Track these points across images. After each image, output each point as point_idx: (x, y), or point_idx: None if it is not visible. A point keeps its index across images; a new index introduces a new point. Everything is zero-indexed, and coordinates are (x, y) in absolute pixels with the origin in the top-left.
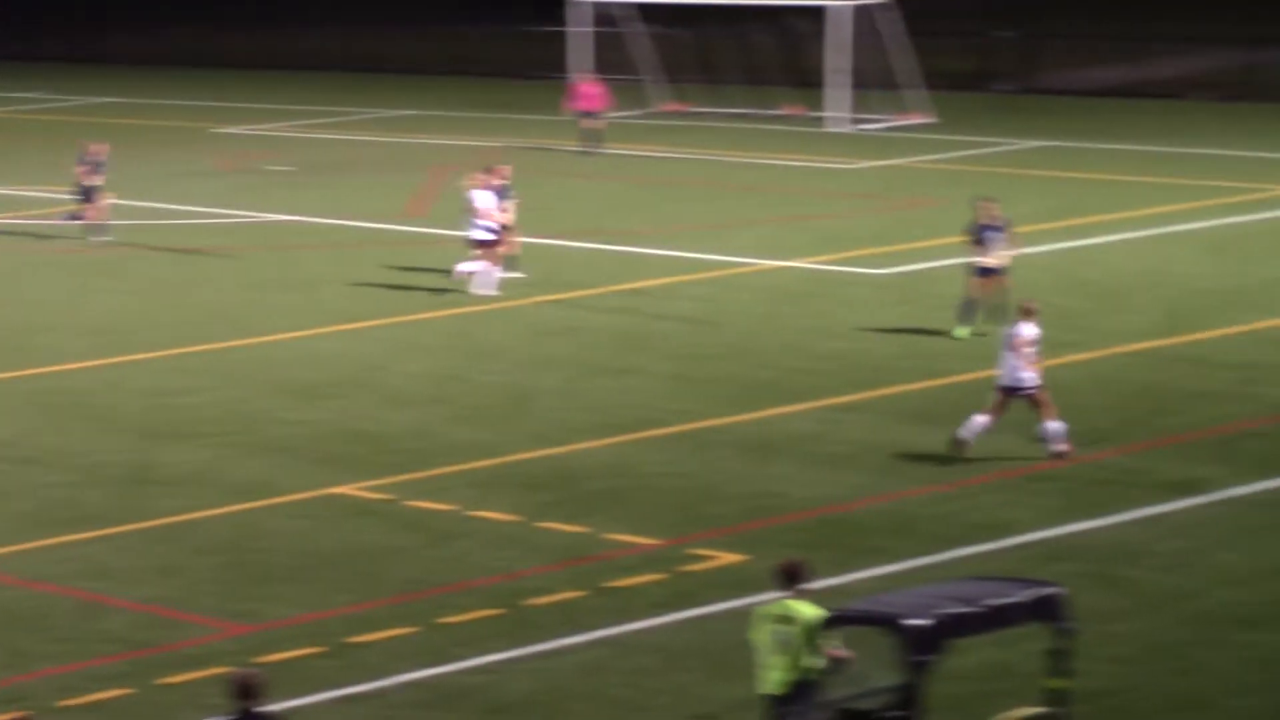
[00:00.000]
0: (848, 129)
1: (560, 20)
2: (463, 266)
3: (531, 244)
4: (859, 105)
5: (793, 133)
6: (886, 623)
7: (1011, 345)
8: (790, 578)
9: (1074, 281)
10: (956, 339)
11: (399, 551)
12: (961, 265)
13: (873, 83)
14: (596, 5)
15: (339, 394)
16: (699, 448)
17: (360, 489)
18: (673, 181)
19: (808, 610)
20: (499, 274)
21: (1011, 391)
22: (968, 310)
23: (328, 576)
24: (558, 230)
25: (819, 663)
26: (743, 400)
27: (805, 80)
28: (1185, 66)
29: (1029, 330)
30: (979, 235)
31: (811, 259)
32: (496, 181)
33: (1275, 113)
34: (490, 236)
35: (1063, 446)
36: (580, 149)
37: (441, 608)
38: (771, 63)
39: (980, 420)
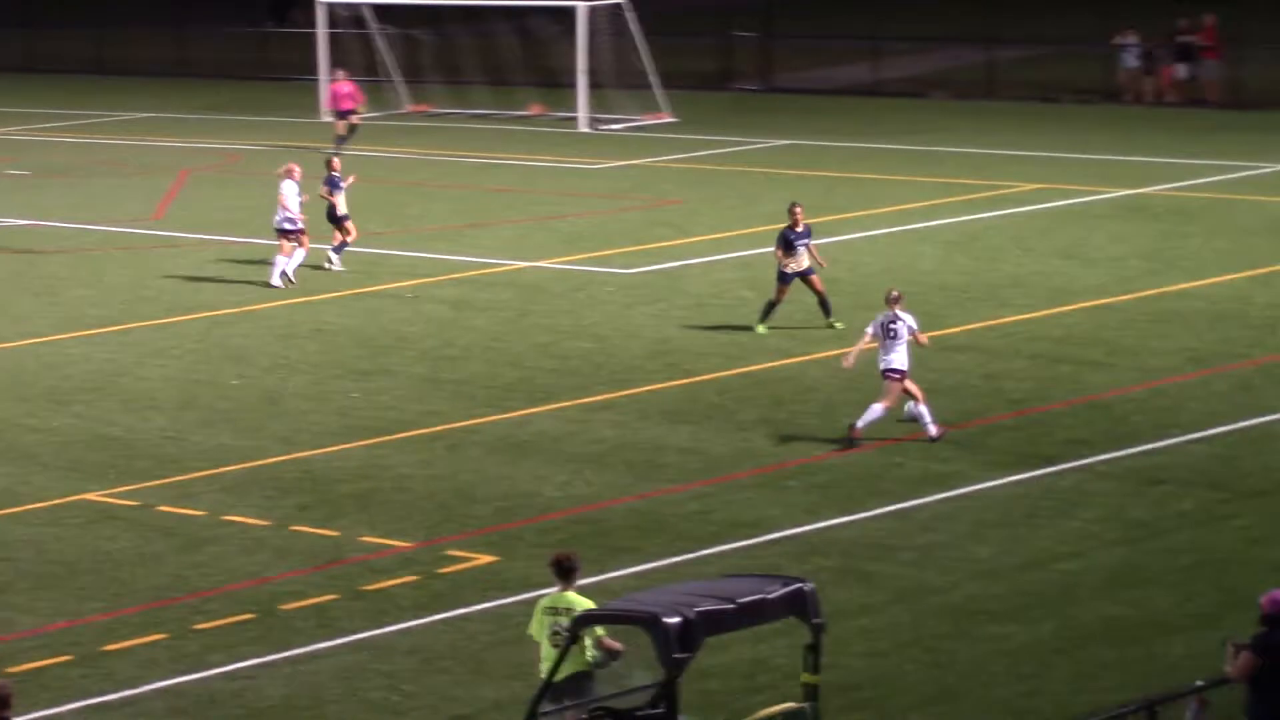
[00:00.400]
0: (591, 129)
1: (305, 23)
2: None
3: (272, 246)
4: (602, 105)
5: (538, 133)
6: (643, 621)
7: (897, 335)
8: (564, 570)
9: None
10: (758, 333)
11: (149, 558)
12: (707, 264)
13: (615, 83)
14: (336, 6)
15: (85, 399)
16: (450, 449)
17: (108, 495)
18: (418, 183)
19: (581, 601)
20: (296, 264)
21: (900, 374)
22: (769, 310)
23: (76, 584)
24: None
25: (594, 654)
26: (493, 401)
27: (549, 80)
28: (924, 65)
29: (910, 318)
30: (789, 242)
31: (559, 259)
32: (299, 175)
33: (1012, 111)
34: (292, 228)
35: (935, 429)
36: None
37: (194, 614)
38: (515, 63)
39: (878, 408)
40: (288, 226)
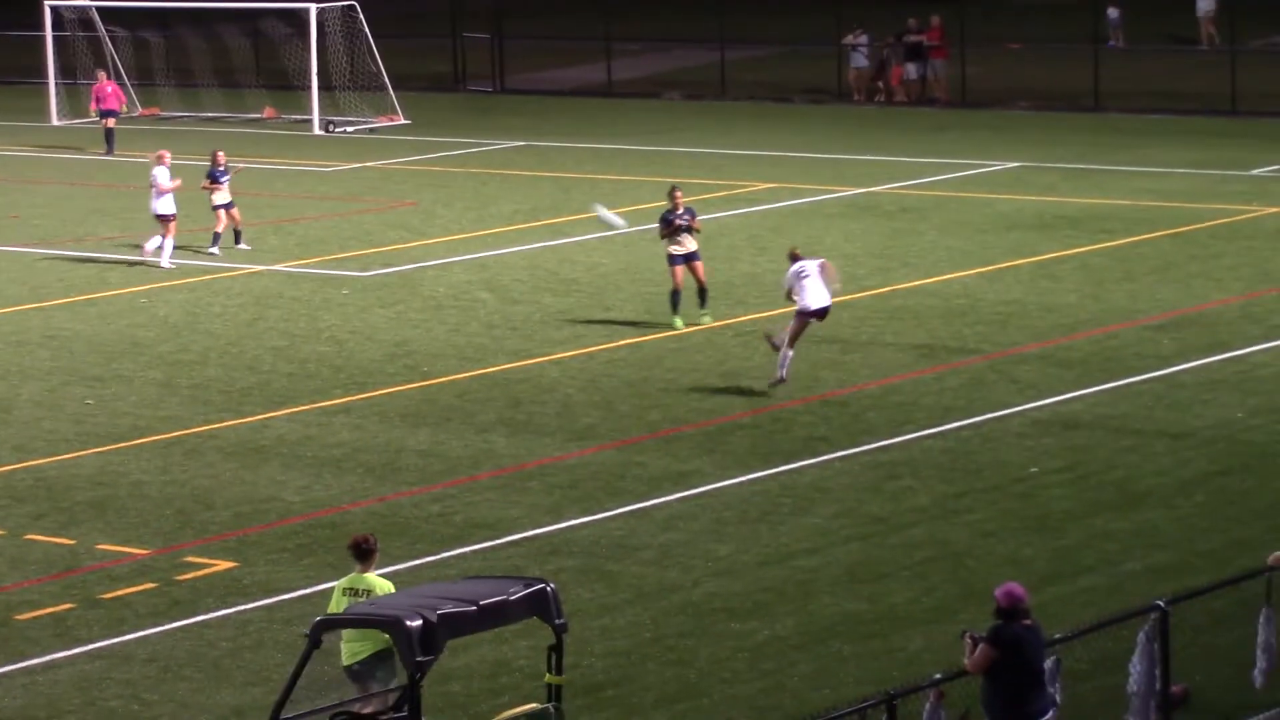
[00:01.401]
0: (325, 132)
1: (31, 25)
2: (150, 244)
3: (14, 252)
4: (335, 108)
5: (271, 135)
6: (385, 624)
7: (825, 275)
8: (363, 552)
9: (558, 280)
10: (677, 329)
11: None
12: (443, 265)
13: (348, 85)
14: (62, 9)
15: None
16: (188, 454)
17: None
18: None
19: (379, 582)
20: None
21: (822, 314)
22: (675, 299)
23: None
24: (26, 238)
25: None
26: (231, 405)
27: (282, 83)
28: (657, 66)
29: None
30: (670, 224)
31: (294, 263)
32: (169, 160)
33: (745, 111)
34: (168, 212)
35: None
36: (106, 151)
37: None
38: (247, 66)
39: (790, 354)
40: (163, 211)
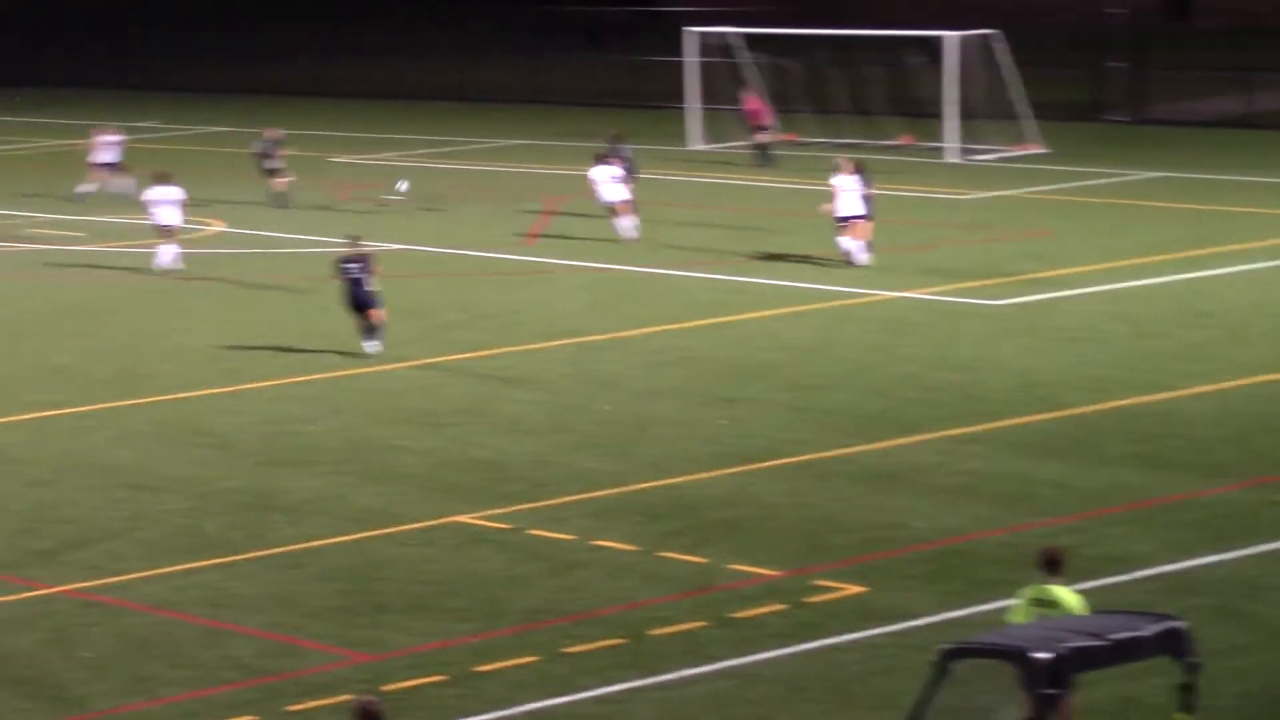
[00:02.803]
0: (960, 160)
1: (672, 51)
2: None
3: (641, 273)
4: (971, 136)
5: (906, 163)
6: (1012, 656)
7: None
8: (1051, 564)
9: (1194, 314)
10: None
11: (520, 580)
12: (1076, 296)
13: (985, 113)
14: (705, 35)
15: (456, 422)
16: (818, 478)
17: (479, 518)
18: (782, 211)
19: (1069, 596)
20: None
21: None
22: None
23: (448, 605)
24: (665, 261)
25: None
26: (860, 430)
27: (918, 111)
28: None
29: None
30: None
31: (925, 290)
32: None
33: None
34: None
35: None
36: (757, 163)
37: (564, 637)
38: (883, 93)
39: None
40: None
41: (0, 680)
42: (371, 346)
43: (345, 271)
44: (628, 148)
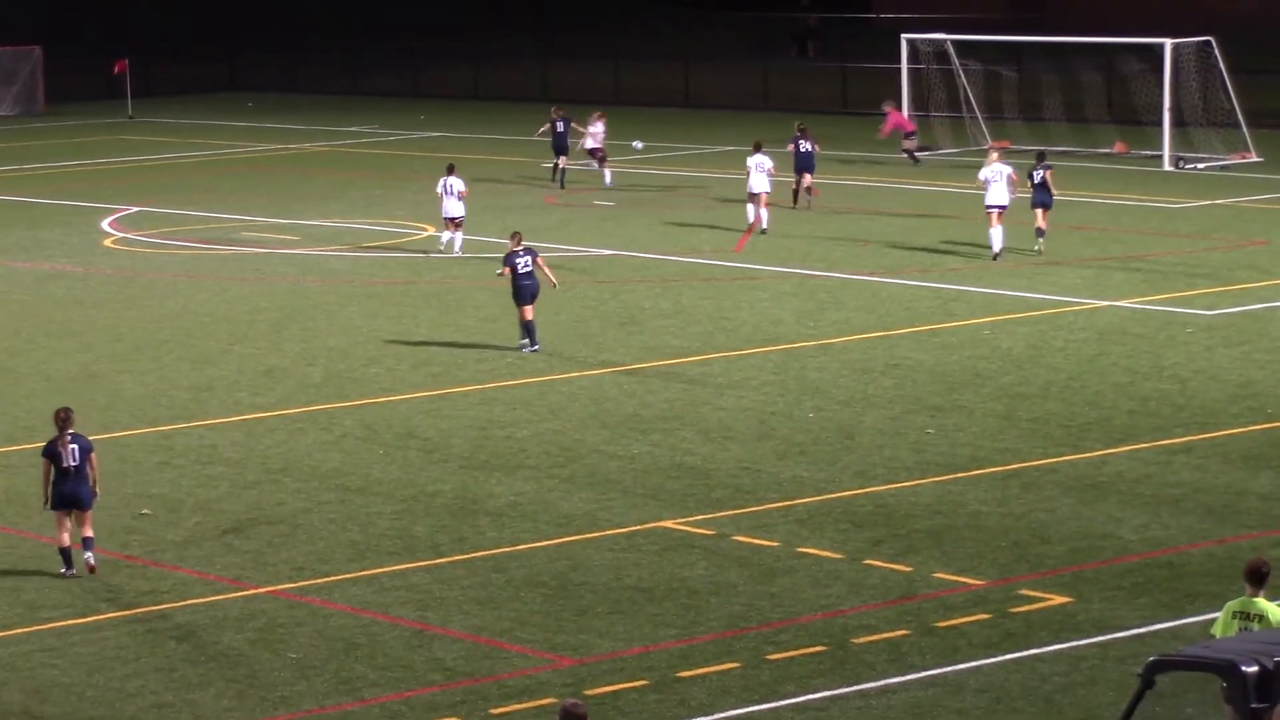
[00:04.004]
0: (1175, 168)
1: (889, 58)
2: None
3: (851, 279)
4: (1187, 144)
5: (1120, 170)
6: (1220, 669)
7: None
8: (1258, 576)
9: None
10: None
11: (724, 587)
12: None
13: (1200, 121)
14: (919, 41)
15: (664, 428)
16: (1025, 487)
17: (684, 523)
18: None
19: (1272, 609)
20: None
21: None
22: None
23: (651, 610)
24: (875, 267)
25: None
26: (1070, 440)
27: (1132, 118)
28: None
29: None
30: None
31: (1138, 299)
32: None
33: None
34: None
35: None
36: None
37: (766, 644)
38: (1098, 101)
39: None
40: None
41: (210, 678)
42: (528, 348)
43: (515, 264)
44: (809, 142)
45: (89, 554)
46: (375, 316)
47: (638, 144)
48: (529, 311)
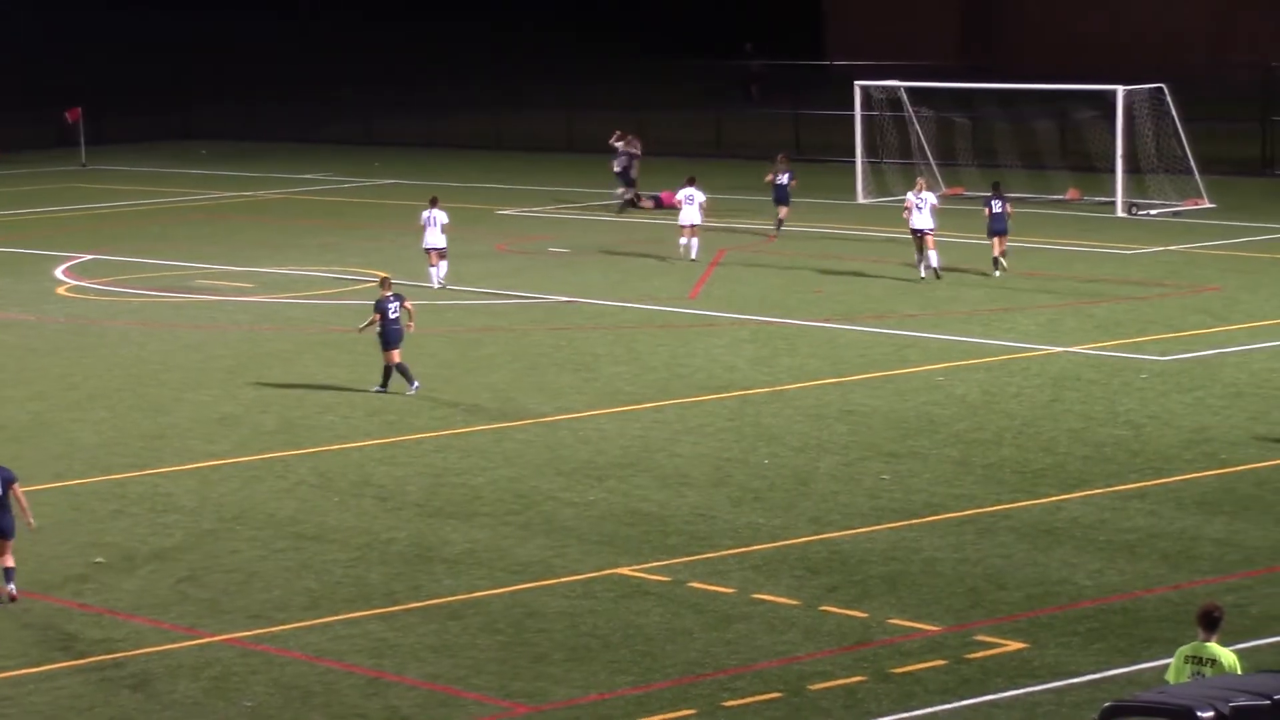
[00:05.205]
0: (1128, 214)
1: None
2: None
3: (805, 326)
4: (1138, 190)
5: (1073, 217)
6: (1177, 714)
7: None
8: (1210, 621)
9: None
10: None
11: (679, 633)
12: (1245, 352)
13: (1153, 168)
14: (871, 89)
15: (619, 474)
16: (980, 533)
17: (640, 570)
18: (948, 265)
19: (1224, 653)
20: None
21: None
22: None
23: (607, 657)
24: (829, 314)
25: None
26: (1025, 486)
27: (1085, 165)
28: None
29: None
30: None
31: (1092, 345)
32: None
33: None
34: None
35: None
36: None
37: (722, 690)
38: (1050, 147)
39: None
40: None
41: None
42: (381, 389)
43: (385, 310)
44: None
45: (10, 585)
46: (330, 364)
47: (554, 249)
48: (396, 355)
